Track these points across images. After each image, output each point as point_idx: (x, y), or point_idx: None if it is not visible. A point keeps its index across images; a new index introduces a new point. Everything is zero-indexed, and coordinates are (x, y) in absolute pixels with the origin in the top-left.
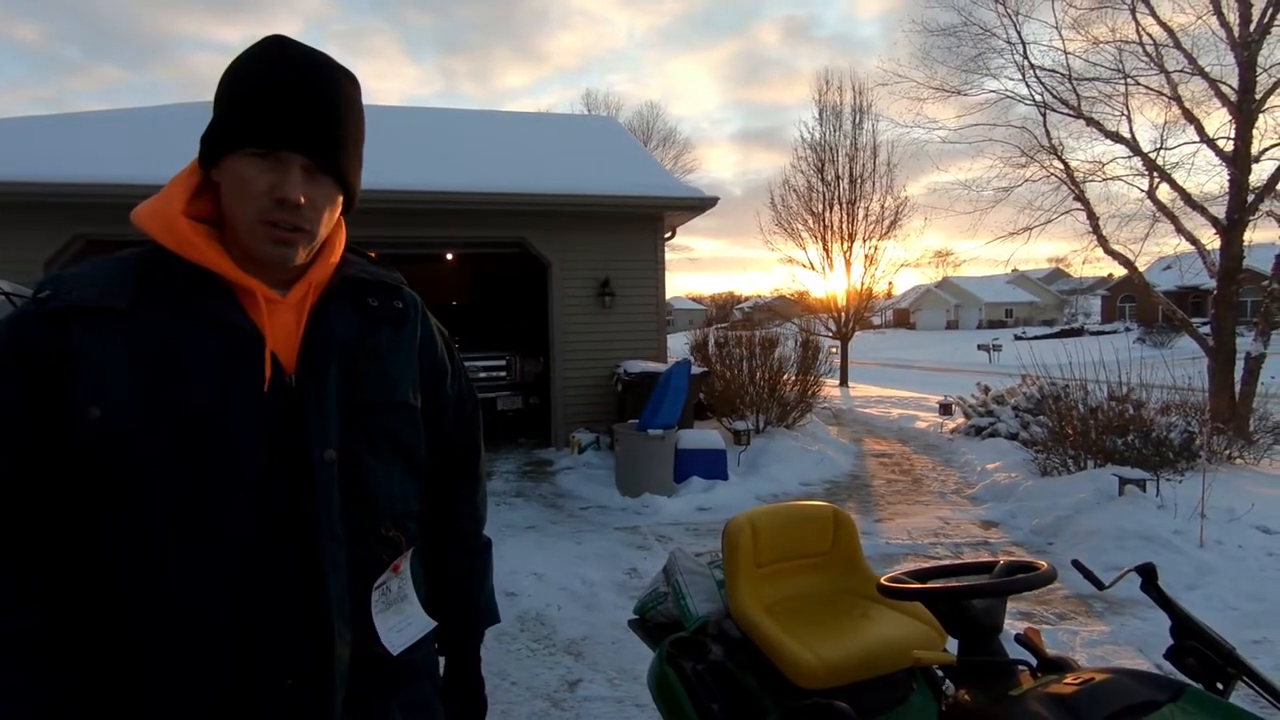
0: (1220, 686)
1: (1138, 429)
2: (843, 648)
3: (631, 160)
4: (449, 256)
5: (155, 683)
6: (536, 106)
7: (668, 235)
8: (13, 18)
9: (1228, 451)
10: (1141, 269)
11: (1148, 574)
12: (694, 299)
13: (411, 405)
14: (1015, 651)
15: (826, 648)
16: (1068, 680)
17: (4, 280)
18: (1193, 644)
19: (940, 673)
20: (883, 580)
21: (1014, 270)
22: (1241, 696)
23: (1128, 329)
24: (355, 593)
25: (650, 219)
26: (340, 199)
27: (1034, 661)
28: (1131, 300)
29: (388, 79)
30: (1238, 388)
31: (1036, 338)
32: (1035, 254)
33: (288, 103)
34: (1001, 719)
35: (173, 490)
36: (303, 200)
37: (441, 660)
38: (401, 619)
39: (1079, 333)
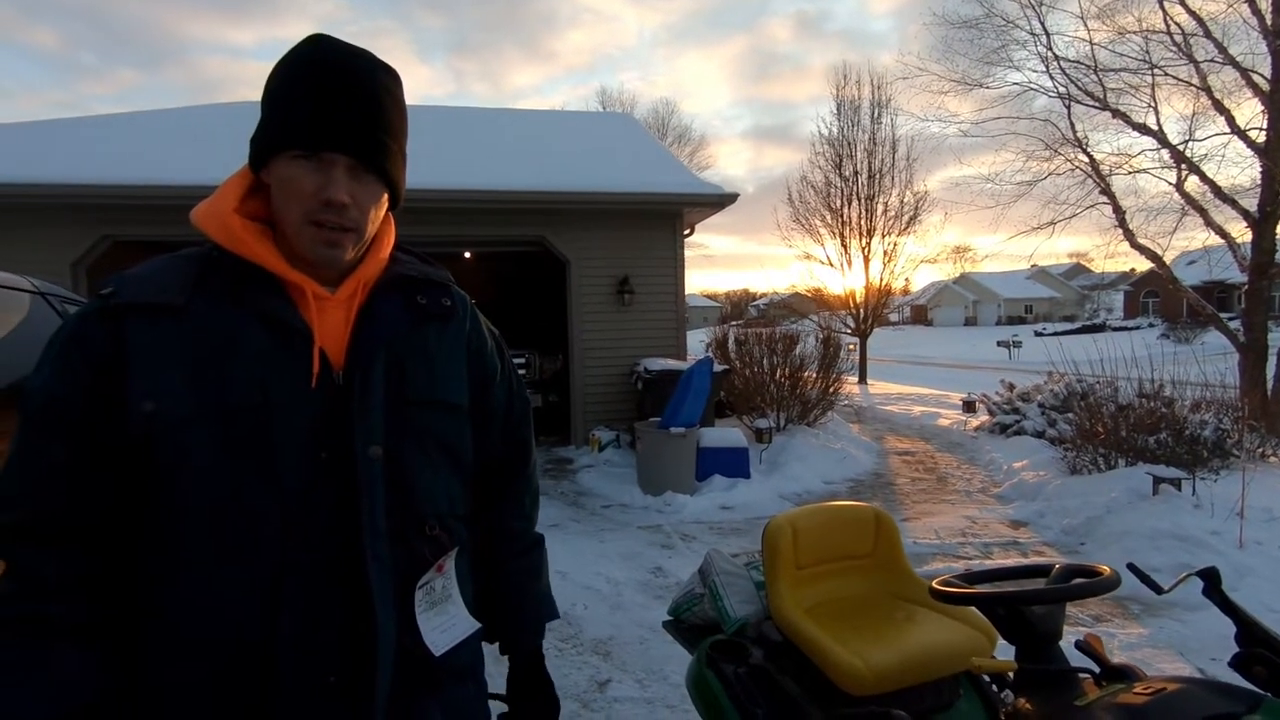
0: None
1: (1169, 427)
2: (891, 653)
3: (650, 157)
4: (467, 255)
5: (192, 697)
6: (548, 105)
7: (687, 232)
8: (31, 23)
9: (1261, 449)
10: (1166, 263)
11: (1211, 578)
12: (708, 296)
13: (459, 405)
14: (1075, 658)
15: (874, 653)
16: (1137, 690)
17: (37, 279)
18: (1261, 651)
19: (988, 679)
20: (935, 584)
21: (1034, 266)
22: None
23: (1151, 325)
24: (398, 591)
25: (669, 216)
26: (386, 196)
27: (1096, 669)
28: (1155, 295)
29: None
30: (1269, 384)
31: (1057, 334)
32: (1056, 249)
33: (330, 104)
34: None
35: (214, 488)
36: (348, 200)
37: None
38: (446, 619)
39: (1101, 329)
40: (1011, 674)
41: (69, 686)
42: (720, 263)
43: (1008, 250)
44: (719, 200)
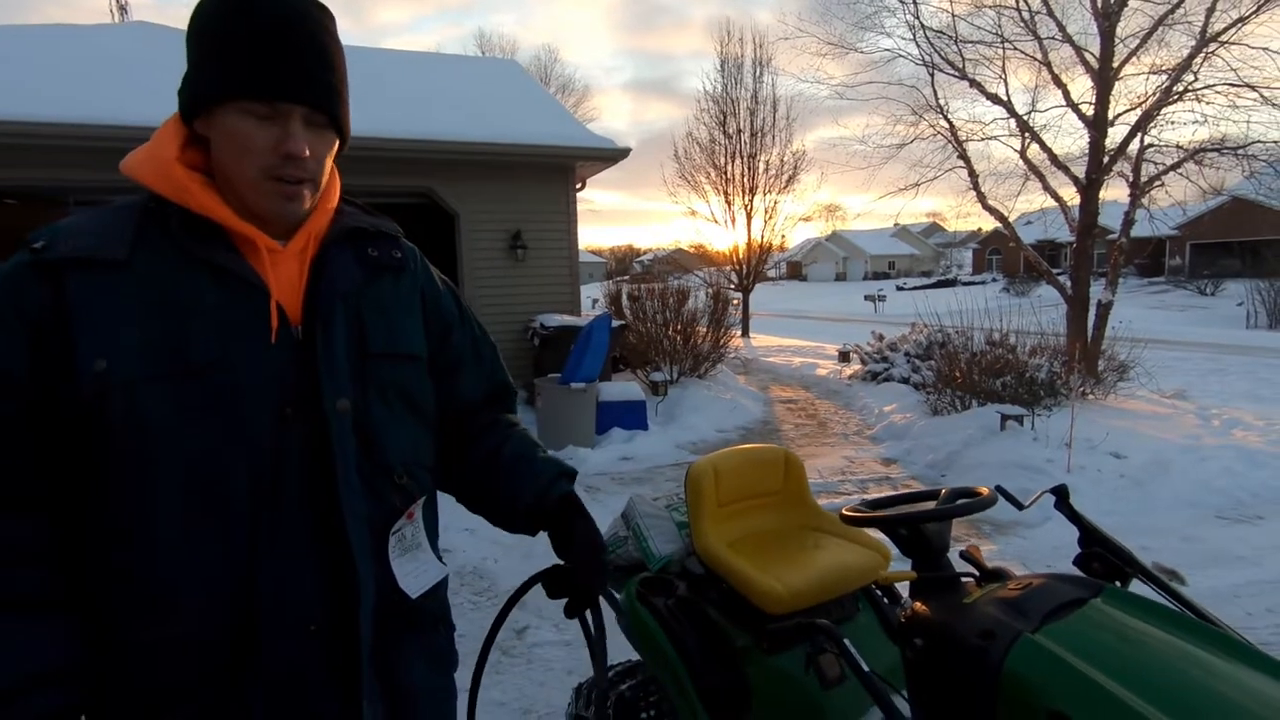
0: (1118, 584)
1: (1013, 371)
2: (804, 575)
3: (540, 108)
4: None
5: (162, 662)
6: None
7: (578, 186)
8: None
9: (1082, 389)
10: (1011, 224)
11: (1060, 494)
12: (594, 251)
13: (418, 356)
14: (960, 567)
15: (789, 576)
16: (1010, 586)
17: None
18: (1098, 550)
19: (880, 593)
20: (845, 511)
21: (897, 225)
22: (1136, 590)
23: (994, 279)
24: (374, 540)
25: (563, 169)
26: (336, 143)
27: (977, 573)
28: (999, 253)
29: None
30: (1090, 332)
31: (916, 288)
32: (916, 209)
33: (276, 49)
34: (960, 623)
35: (181, 447)
36: (307, 153)
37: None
38: (417, 565)
39: (953, 283)
40: (909, 583)
41: (33, 659)
42: (605, 217)
43: (877, 210)
44: (612, 155)
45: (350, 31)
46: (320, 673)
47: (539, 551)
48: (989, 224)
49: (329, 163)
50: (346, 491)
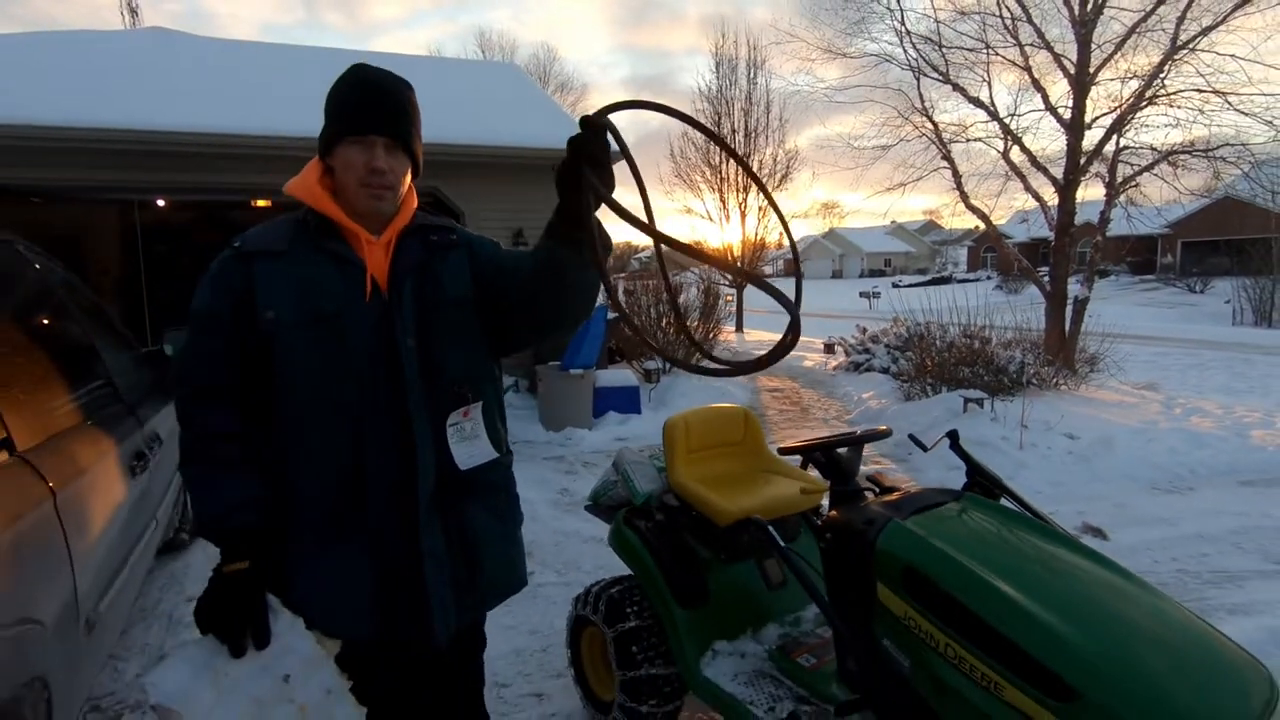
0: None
1: (983, 361)
2: (752, 499)
3: (539, 110)
4: None
5: (306, 502)
6: (413, 40)
7: None
8: None
9: (1055, 380)
10: (1003, 222)
11: (953, 436)
12: None
13: (466, 298)
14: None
15: (741, 499)
16: (895, 494)
17: None
18: (979, 480)
19: (818, 520)
20: (780, 446)
21: (892, 222)
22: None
23: (989, 277)
24: (433, 427)
25: None
26: (410, 169)
27: (877, 489)
28: (993, 251)
29: (239, 2)
30: (1067, 326)
31: (911, 285)
32: (912, 206)
33: (370, 104)
34: (854, 519)
35: (313, 371)
36: (386, 167)
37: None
38: (472, 448)
39: (948, 281)
40: (828, 496)
41: (232, 497)
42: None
43: (868, 207)
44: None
45: (341, 26)
46: (398, 514)
47: (542, 515)
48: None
49: (406, 179)
50: (412, 398)
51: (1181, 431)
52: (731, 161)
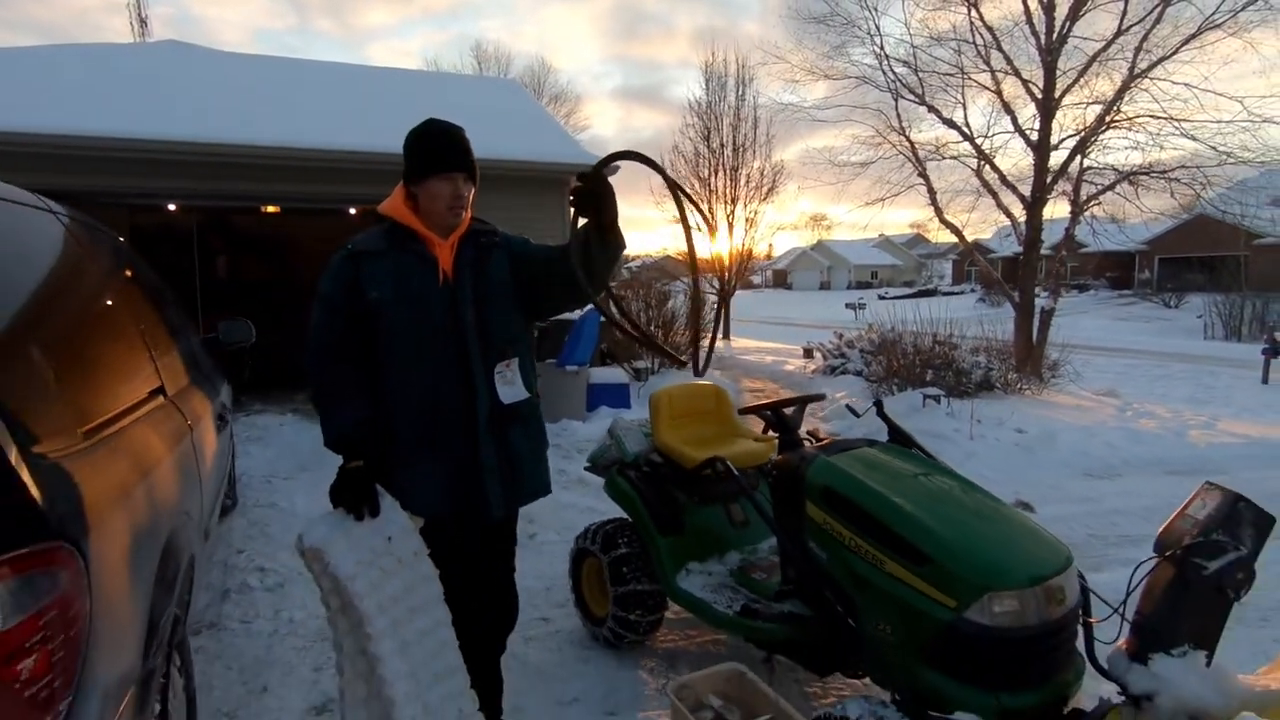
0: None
1: (946, 364)
2: (719, 449)
3: (536, 125)
4: (353, 211)
5: (401, 423)
6: (405, 49)
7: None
8: None
9: (1020, 385)
10: (987, 236)
11: (879, 404)
12: None
13: (507, 282)
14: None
15: (710, 451)
16: (825, 441)
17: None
18: (896, 438)
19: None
20: (742, 407)
21: (880, 235)
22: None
23: (973, 290)
24: (487, 375)
25: (560, 183)
26: (473, 189)
27: (814, 440)
28: (976, 264)
29: (230, 6)
30: (1035, 335)
31: (896, 297)
32: (899, 220)
33: (450, 149)
34: (793, 460)
35: (404, 334)
36: (465, 196)
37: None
38: (511, 389)
39: (933, 293)
40: (777, 447)
41: (350, 418)
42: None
43: (848, 221)
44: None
45: (333, 34)
46: (462, 433)
47: None
48: (971, 235)
49: (470, 198)
50: (473, 352)
51: (1123, 429)
52: (719, 175)
